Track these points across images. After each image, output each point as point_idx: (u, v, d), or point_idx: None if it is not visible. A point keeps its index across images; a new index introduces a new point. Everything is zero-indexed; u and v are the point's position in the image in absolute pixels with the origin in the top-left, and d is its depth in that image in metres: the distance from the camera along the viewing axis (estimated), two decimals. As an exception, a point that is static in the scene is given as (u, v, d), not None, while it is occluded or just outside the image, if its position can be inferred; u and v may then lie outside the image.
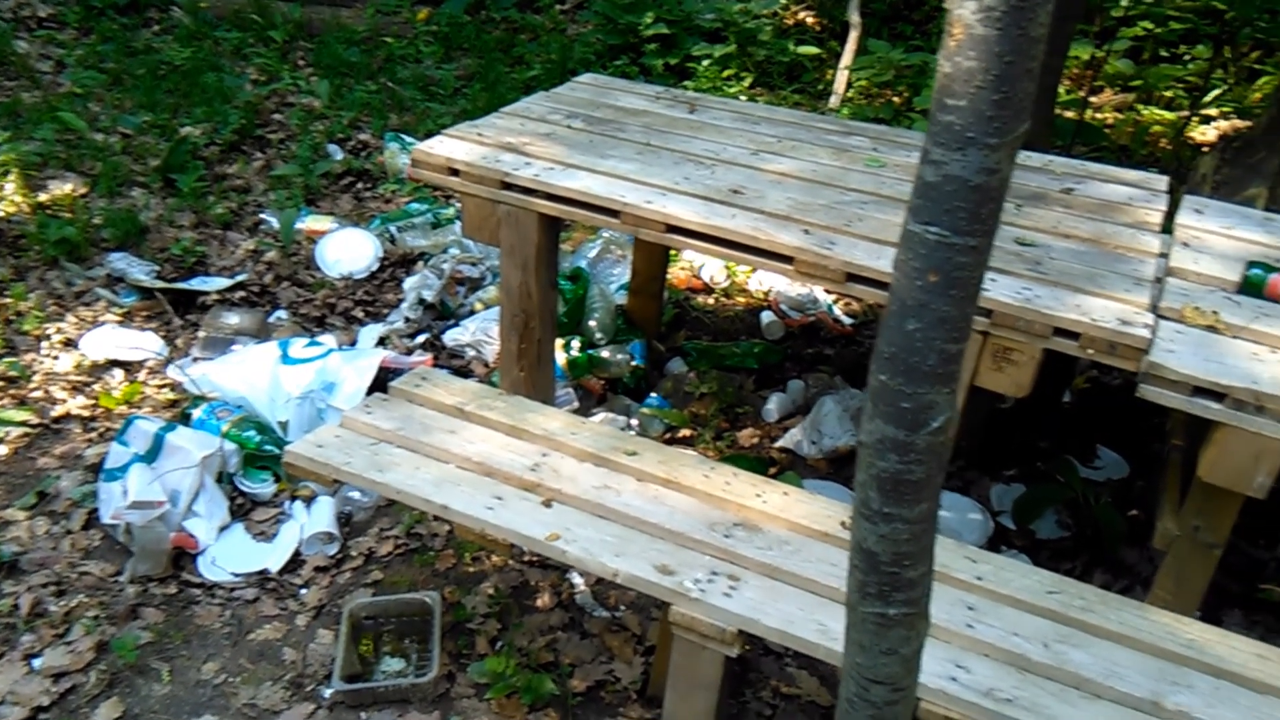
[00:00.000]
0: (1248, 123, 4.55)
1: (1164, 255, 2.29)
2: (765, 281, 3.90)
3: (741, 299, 3.87)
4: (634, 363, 3.23)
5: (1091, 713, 1.53)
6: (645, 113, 2.92)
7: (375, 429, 2.12)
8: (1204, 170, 4.19)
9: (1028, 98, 0.91)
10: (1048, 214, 2.41)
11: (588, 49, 5.95)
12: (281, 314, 3.45)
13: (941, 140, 0.94)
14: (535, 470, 1.99)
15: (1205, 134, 4.85)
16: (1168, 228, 2.40)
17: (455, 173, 2.52)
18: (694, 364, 3.32)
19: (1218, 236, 2.35)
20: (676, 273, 3.95)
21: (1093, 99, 5.51)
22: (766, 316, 3.66)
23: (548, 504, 1.89)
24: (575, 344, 3.19)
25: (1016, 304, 2.02)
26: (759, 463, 2.91)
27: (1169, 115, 4.91)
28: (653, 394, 3.17)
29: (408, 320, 3.46)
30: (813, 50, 5.91)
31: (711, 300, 3.88)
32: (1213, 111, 4.93)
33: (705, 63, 5.71)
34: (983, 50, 0.88)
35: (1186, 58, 5.46)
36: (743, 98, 5.52)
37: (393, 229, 3.98)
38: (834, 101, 5.53)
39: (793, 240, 2.22)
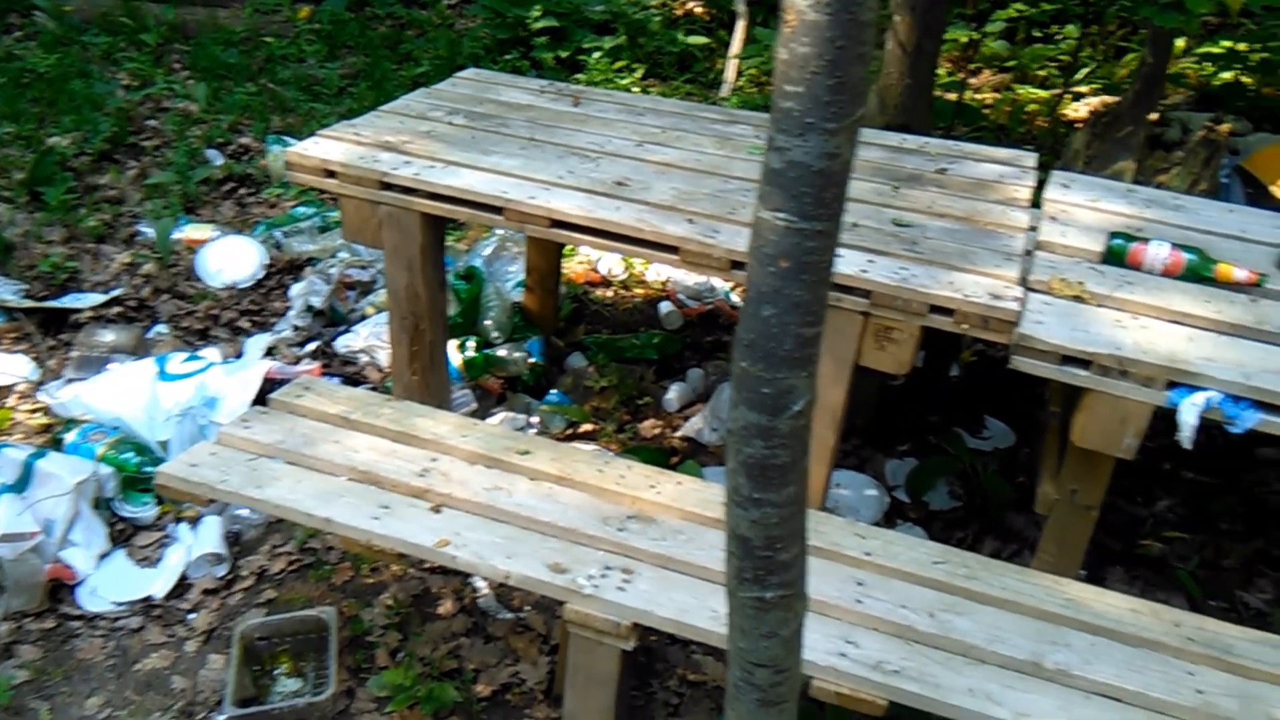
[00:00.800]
0: (1115, 98, 4.75)
1: (1034, 229, 2.37)
2: (662, 272, 3.91)
3: (640, 290, 3.87)
4: (532, 360, 3.20)
5: (976, 678, 1.58)
6: (529, 107, 2.89)
7: (254, 443, 2.05)
8: (1076, 146, 4.36)
9: (861, 82, 0.92)
10: (923, 195, 2.46)
11: (477, 44, 5.87)
12: (161, 328, 3.31)
13: (784, 127, 0.94)
14: (424, 476, 1.95)
15: (1078, 110, 5.05)
16: (1037, 203, 2.49)
17: (332, 174, 2.45)
18: (593, 358, 3.31)
19: (1084, 210, 2.44)
20: (574, 267, 3.93)
21: (972, 80, 5.69)
22: (665, 307, 3.67)
23: (437, 509, 1.86)
24: (471, 344, 3.14)
25: (893, 284, 2.06)
26: (660, 453, 2.92)
27: (1043, 94, 5.09)
28: (553, 390, 3.15)
29: (296, 329, 3.36)
30: (702, 40, 5.94)
31: (610, 293, 3.87)
32: (1084, 89, 5.13)
33: (596, 55, 5.69)
34: (815, 36, 0.88)
35: (1058, 37, 5.67)
36: (635, 89, 5.52)
37: (278, 235, 3.86)
38: (725, 90, 5.58)
39: (678, 230, 2.22)
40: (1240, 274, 2.10)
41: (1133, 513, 2.81)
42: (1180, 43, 5.33)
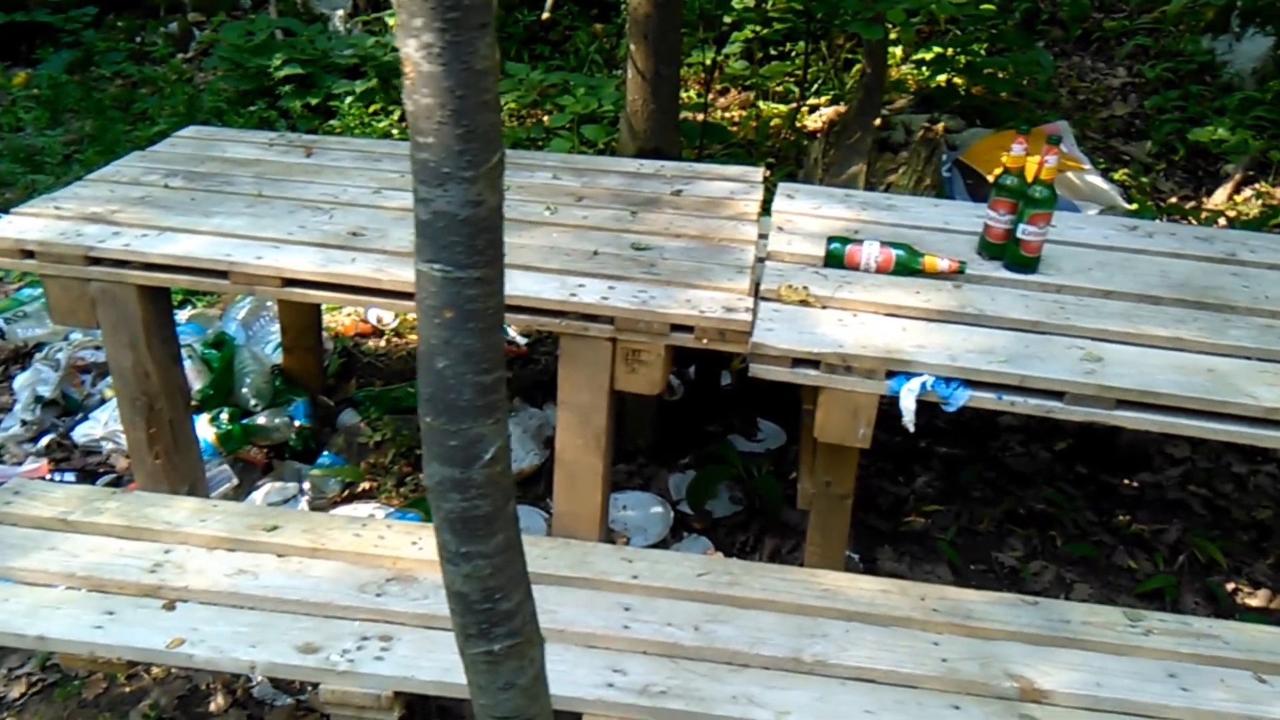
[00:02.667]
0: (844, 107, 5.10)
1: (764, 236, 2.48)
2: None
3: (414, 336, 3.78)
4: (299, 423, 3.05)
5: (739, 684, 1.62)
6: (257, 162, 2.76)
7: (-44, 564, 1.83)
8: (814, 155, 4.65)
9: (494, 128, 0.92)
10: (660, 217, 2.54)
11: (218, 97, 5.58)
12: None
13: (423, 178, 0.93)
14: (156, 571, 1.80)
15: (817, 121, 5.38)
16: (769, 214, 2.61)
17: (30, 254, 2.24)
18: (366, 413, 3.19)
19: (807, 217, 2.59)
20: (341, 319, 3.79)
21: (721, 100, 5.96)
22: (437, 351, 3.59)
23: (171, 606, 1.72)
24: (225, 415, 2.95)
25: (634, 308, 2.10)
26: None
27: (783, 108, 5.39)
28: (325, 452, 3.01)
29: (25, 423, 3.05)
30: (456, 78, 5.90)
31: (383, 342, 3.76)
32: (820, 100, 5.48)
33: (348, 100, 5.54)
34: (434, 86, 0.87)
35: (793, 53, 6.03)
36: (395, 132, 5.42)
37: (0, 321, 3.50)
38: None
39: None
40: (943, 264, 2.28)
41: (896, 493, 3.00)
42: (898, 52, 5.80)
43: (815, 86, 5.56)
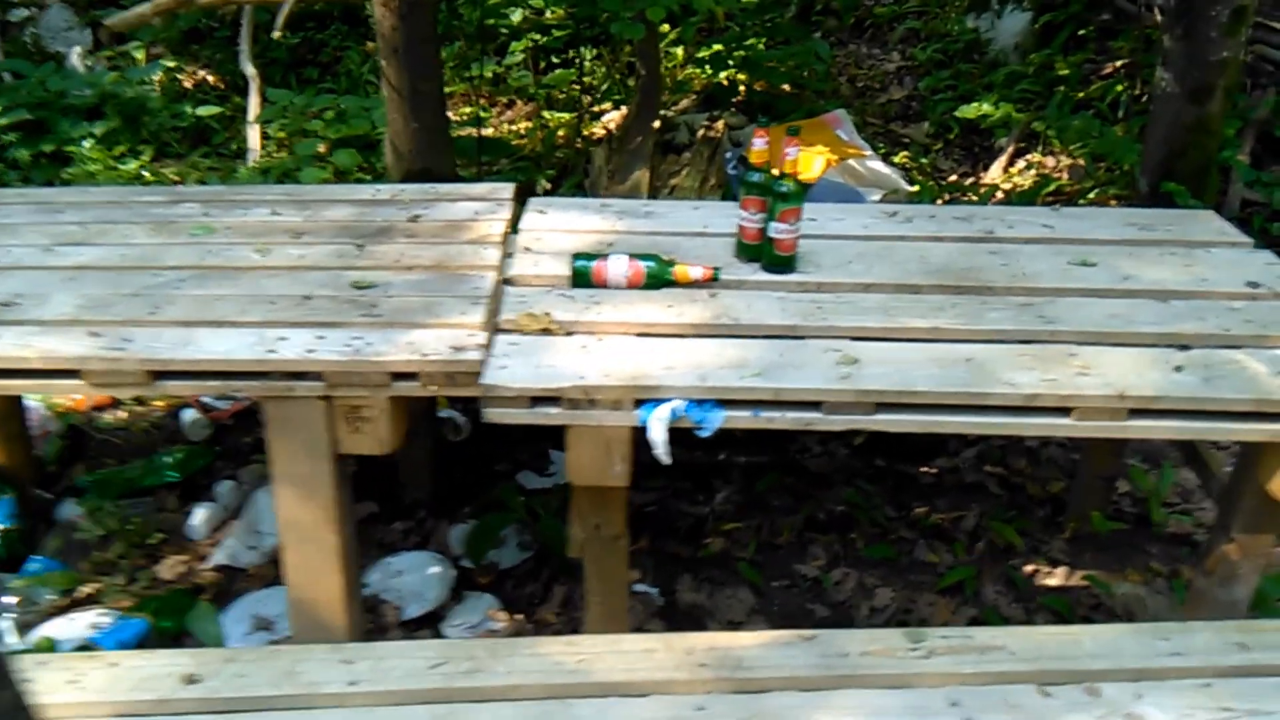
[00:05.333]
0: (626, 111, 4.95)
1: (509, 255, 2.25)
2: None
3: (159, 402, 3.35)
4: (3, 527, 2.59)
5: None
6: (-93, 227, 2.32)
7: None
8: (599, 163, 4.47)
9: None
10: (390, 248, 2.26)
11: (-71, 152, 4.90)
12: None
13: None
14: None
15: (607, 127, 5.22)
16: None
17: None
18: (89, 502, 2.76)
19: (558, 234, 2.37)
20: (71, 394, 3.31)
21: (509, 112, 5.72)
22: (188, 415, 3.18)
23: None
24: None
25: (345, 359, 1.83)
26: (184, 595, 2.47)
27: (568, 116, 5.20)
28: (34, 557, 2.57)
29: None
30: (214, 110, 5.43)
31: (123, 414, 3.31)
32: (604, 106, 5.32)
33: (88, 144, 4.98)
34: None
35: (577, 60, 5.86)
36: (147, 174, 4.91)
37: None
38: (252, 160, 5.13)
39: (76, 349, 1.83)
40: (696, 272, 2.11)
41: (694, 513, 2.83)
42: (680, 52, 5.72)
43: (601, 92, 5.40)
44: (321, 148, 5.35)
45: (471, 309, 1.99)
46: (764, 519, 2.78)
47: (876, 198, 4.19)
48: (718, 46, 5.26)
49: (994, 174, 4.76)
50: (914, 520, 2.77)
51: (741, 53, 5.03)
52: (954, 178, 4.76)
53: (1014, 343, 1.94)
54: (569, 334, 1.96)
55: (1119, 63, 5.13)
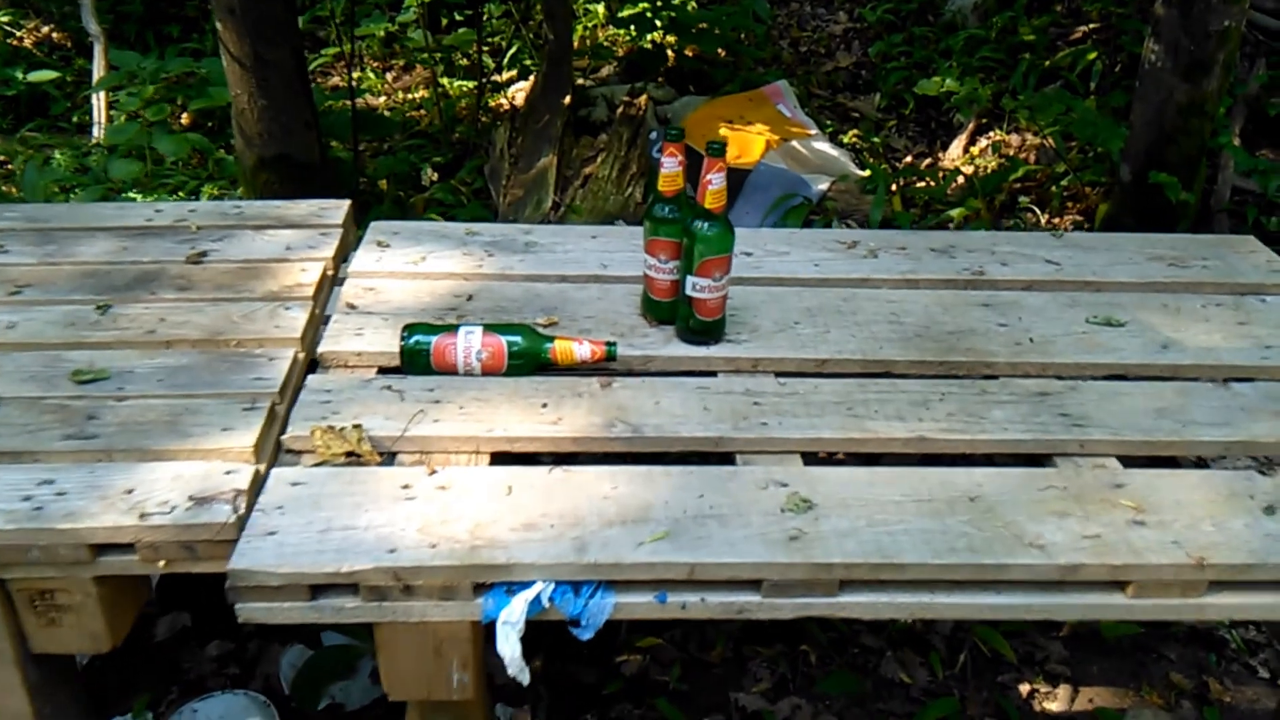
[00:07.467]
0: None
1: (325, 317, 1.60)
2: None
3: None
4: None
5: None
6: None
7: None
8: (500, 144, 3.77)
9: None
10: (147, 311, 1.58)
11: None
12: None
13: None
14: None
15: (512, 99, 4.50)
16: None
17: None
18: None
19: (397, 281, 1.71)
20: None
21: (406, 78, 4.96)
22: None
23: None
24: None
25: (12, 526, 1.16)
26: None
27: (470, 84, 4.47)
28: None
29: None
30: (50, 75, 4.59)
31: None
32: (513, 74, 4.60)
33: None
34: None
35: (486, 17, 5.10)
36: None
37: None
38: (97, 133, 4.33)
39: None
40: (582, 351, 1.47)
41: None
42: (601, 9, 5.00)
43: (509, 56, 4.66)
44: (185, 119, 4.56)
45: (242, 422, 1.33)
46: (691, 627, 2.19)
47: (824, 185, 3.59)
48: (643, 5, 4.56)
49: (954, 154, 4.17)
50: (879, 624, 2.20)
51: (669, 12, 4.34)
52: (909, 159, 4.17)
53: (1032, 463, 1.36)
54: (389, 458, 1.32)
55: (1090, 25, 4.56)
